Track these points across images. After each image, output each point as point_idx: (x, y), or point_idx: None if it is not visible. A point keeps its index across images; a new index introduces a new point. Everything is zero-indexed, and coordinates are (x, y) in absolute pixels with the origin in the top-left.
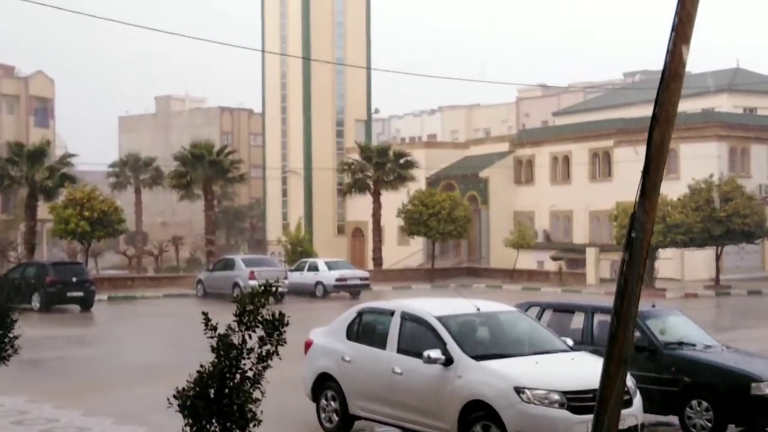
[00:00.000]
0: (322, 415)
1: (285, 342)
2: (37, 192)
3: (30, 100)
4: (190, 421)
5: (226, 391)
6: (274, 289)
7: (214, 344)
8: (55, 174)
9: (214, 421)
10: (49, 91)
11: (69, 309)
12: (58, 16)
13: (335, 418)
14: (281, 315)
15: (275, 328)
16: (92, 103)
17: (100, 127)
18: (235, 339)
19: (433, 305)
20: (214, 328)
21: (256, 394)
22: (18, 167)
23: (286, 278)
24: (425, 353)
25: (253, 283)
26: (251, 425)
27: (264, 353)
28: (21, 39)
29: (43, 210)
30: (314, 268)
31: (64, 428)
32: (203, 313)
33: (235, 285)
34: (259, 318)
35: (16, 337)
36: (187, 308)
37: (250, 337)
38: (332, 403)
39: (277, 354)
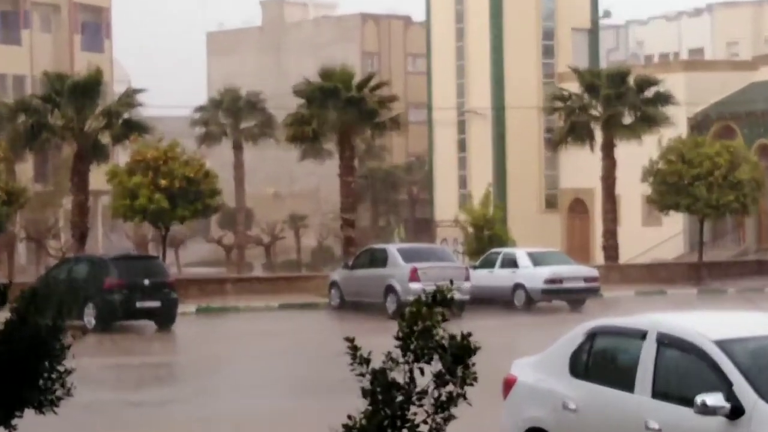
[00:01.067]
0: None
1: (475, 380)
2: (87, 149)
3: (75, 10)
4: None
5: None
6: (449, 296)
7: (367, 385)
8: (115, 121)
9: None
10: None
11: (139, 327)
12: None
13: None
14: (467, 338)
15: (460, 358)
16: (166, 14)
17: (180, 49)
18: (399, 376)
19: (708, 322)
20: (366, 361)
21: None
22: (59, 111)
23: (467, 279)
24: (698, 399)
25: (416, 287)
26: None
27: (444, 397)
28: None
29: (97, 177)
30: (511, 263)
31: None
32: (348, 340)
33: (389, 290)
34: (434, 343)
35: (68, 372)
36: (317, 326)
37: (421, 372)
38: None
39: (464, 397)
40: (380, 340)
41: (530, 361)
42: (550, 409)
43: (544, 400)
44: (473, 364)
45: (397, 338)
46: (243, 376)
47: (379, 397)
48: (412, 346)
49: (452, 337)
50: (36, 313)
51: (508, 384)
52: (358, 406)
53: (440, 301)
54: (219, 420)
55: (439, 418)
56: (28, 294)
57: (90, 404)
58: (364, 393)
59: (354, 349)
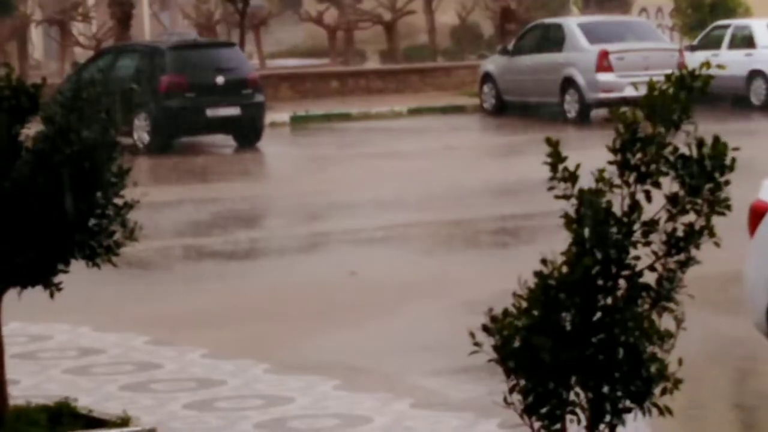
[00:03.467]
0: None
1: (728, 207)
2: None
3: None
4: (522, 382)
5: (599, 315)
6: (700, 79)
7: (570, 212)
8: None
9: (573, 381)
10: None
11: (210, 144)
12: None
13: None
14: (723, 144)
15: (709, 173)
16: None
17: None
18: (615, 202)
19: None
20: (573, 177)
21: (665, 323)
22: None
23: (681, 67)
24: None
25: (607, 78)
26: (657, 388)
27: (681, 232)
28: None
29: None
30: (745, 41)
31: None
32: (550, 144)
33: (568, 84)
34: (667, 154)
35: (130, 207)
36: (466, 139)
37: (647, 198)
38: None
39: (711, 232)
40: (576, 156)
41: None
42: None
43: None
44: (727, 183)
45: (613, 149)
46: (366, 219)
47: (588, 230)
48: (633, 161)
49: (699, 143)
50: (79, 125)
51: (757, 213)
52: (554, 248)
53: (688, 86)
54: (326, 279)
55: (672, 263)
56: (67, 98)
57: (148, 255)
58: (568, 223)
59: (557, 158)
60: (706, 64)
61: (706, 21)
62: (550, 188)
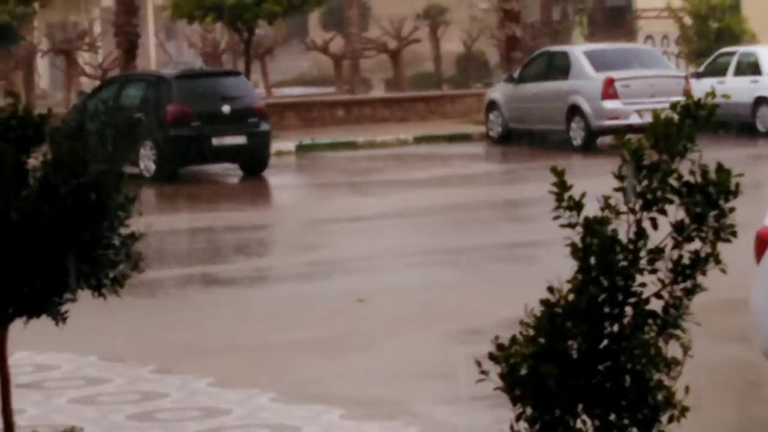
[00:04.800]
0: None
1: (734, 234)
2: None
3: None
4: (529, 409)
5: (605, 343)
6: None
7: (576, 241)
8: None
9: (580, 409)
10: None
11: (217, 173)
12: None
13: None
14: (726, 172)
15: (714, 201)
16: None
17: None
18: (621, 229)
19: None
20: (578, 206)
21: (671, 351)
22: None
23: (687, 94)
24: None
25: (613, 106)
26: (663, 417)
27: (687, 259)
28: None
29: None
30: (751, 68)
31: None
32: (555, 173)
33: (574, 112)
34: (672, 182)
35: (136, 238)
36: (472, 167)
37: (653, 226)
38: None
39: (716, 259)
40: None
41: None
42: None
43: None
44: (732, 210)
45: (619, 176)
46: (371, 246)
47: (593, 258)
48: (639, 188)
49: (704, 170)
50: (85, 155)
51: (764, 241)
52: (559, 275)
53: (694, 115)
54: (332, 306)
55: (679, 290)
56: (71, 127)
57: (154, 283)
58: (575, 252)
59: (562, 186)
60: (712, 94)
61: (711, 48)
62: (556, 217)
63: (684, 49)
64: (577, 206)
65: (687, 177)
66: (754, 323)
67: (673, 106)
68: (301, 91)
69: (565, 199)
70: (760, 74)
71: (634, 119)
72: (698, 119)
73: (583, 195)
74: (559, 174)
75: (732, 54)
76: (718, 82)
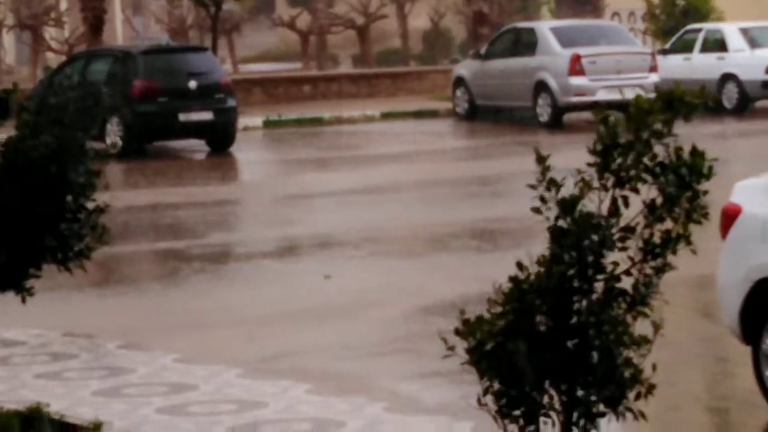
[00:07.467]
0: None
1: (706, 215)
2: None
3: None
4: (496, 384)
5: (573, 320)
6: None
7: (549, 218)
8: None
9: (548, 384)
10: None
11: (183, 149)
12: None
13: None
14: (700, 153)
15: (686, 182)
16: None
17: None
18: (592, 206)
19: None
20: (556, 185)
21: (641, 326)
22: None
23: (653, 70)
24: None
25: (579, 82)
26: (631, 392)
27: (659, 239)
28: None
29: None
30: (717, 45)
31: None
32: (538, 157)
33: (541, 89)
34: (646, 161)
35: (101, 210)
36: (438, 143)
37: (625, 203)
38: None
39: (687, 240)
40: (531, 162)
41: (759, 183)
42: None
43: None
44: (705, 193)
45: (593, 151)
46: (338, 222)
47: (565, 236)
48: (614, 165)
49: (678, 152)
50: (50, 129)
51: (729, 216)
52: (529, 252)
53: (675, 104)
54: (299, 282)
55: (649, 268)
56: (35, 103)
57: (120, 259)
58: (552, 233)
59: (543, 163)
60: (702, 91)
61: (678, 25)
62: (532, 187)
63: (650, 26)
64: (556, 185)
65: (661, 157)
66: (720, 299)
67: (658, 96)
68: (268, 66)
69: (546, 179)
70: (726, 51)
71: (601, 95)
72: (678, 112)
73: (564, 178)
74: (542, 160)
75: (698, 31)
76: (685, 59)
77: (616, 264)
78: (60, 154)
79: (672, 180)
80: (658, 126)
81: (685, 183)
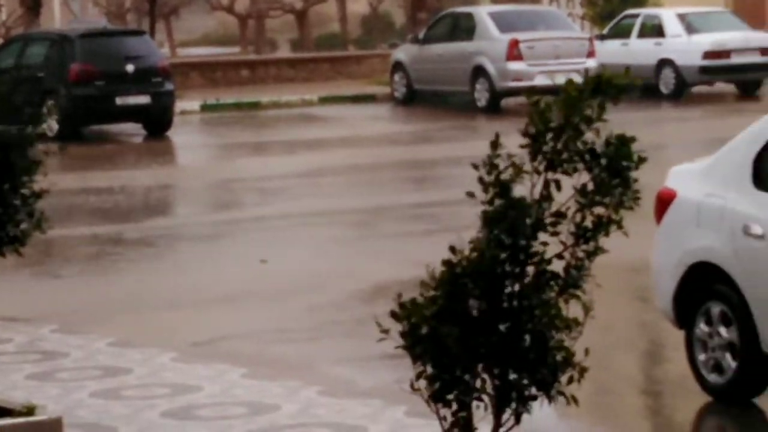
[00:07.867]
0: (701, 357)
1: (637, 200)
2: None
3: None
4: (429, 368)
5: (505, 304)
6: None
7: (484, 203)
8: None
9: (480, 368)
10: None
11: (120, 133)
12: None
13: (731, 365)
14: (630, 140)
15: (617, 169)
16: None
17: None
18: (524, 190)
19: None
20: (495, 168)
21: (572, 310)
22: None
23: (590, 55)
24: None
25: (517, 67)
26: (564, 376)
27: (591, 223)
28: None
29: None
30: (655, 30)
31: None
32: (493, 144)
33: (479, 73)
34: (580, 145)
35: (38, 196)
36: (376, 128)
37: (557, 187)
38: (723, 333)
39: (618, 225)
40: (468, 147)
41: (694, 168)
42: (726, 236)
43: (717, 224)
44: (635, 180)
45: (525, 134)
46: (275, 206)
47: (498, 220)
48: (545, 148)
49: (608, 140)
50: None
51: (664, 201)
52: (462, 236)
53: (603, 87)
54: (235, 267)
55: (581, 251)
56: None
57: (56, 243)
58: (485, 219)
59: (494, 151)
60: (626, 73)
61: (616, 10)
62: (475, 167)
63: (589, 11)
64: (495, 169)
65: (593, 143)
66: (654, 283)
67: (587, 80)
68: (206, 50)
69: (488, 163)
70: (663, 36)
71: (539, 80)
72: (607, 95)
73: (512, 157)
74: (494, 144)
75: (636, 16)
76: (622, 45)
77: (545, 245)
78: (3, 140)
79: (602, 166)
80: (589, 111)
81: (616, 170)
